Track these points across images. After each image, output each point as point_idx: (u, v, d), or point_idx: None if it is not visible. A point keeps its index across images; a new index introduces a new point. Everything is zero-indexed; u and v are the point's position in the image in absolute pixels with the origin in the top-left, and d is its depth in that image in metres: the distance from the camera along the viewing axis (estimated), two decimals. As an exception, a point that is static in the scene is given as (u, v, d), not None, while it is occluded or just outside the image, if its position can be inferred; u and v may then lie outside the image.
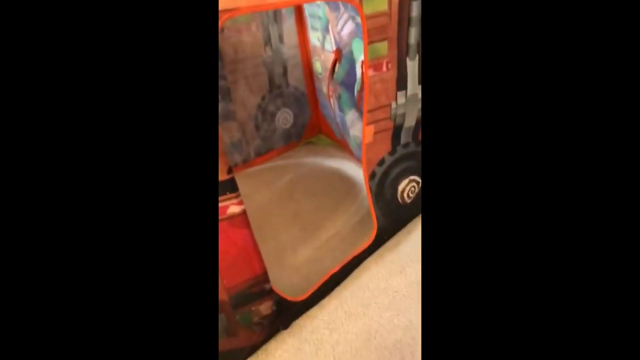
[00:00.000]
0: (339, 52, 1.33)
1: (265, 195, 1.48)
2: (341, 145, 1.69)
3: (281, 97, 1.62)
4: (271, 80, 1.57)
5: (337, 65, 1.34)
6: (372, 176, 1.09)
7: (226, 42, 1.42)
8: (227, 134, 1.55)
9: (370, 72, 0.95)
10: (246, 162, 1.64)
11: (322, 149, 1.74)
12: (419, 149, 1.15)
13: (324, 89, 1.56)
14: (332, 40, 1.36)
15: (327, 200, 1.41)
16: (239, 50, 1.46)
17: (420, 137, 1.13)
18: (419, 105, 1.08)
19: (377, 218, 1.15)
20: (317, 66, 1.57)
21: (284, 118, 1.68)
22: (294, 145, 1.75)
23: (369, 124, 1.01)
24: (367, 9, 0.88)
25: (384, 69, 0.97)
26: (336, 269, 1.09)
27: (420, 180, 1.21)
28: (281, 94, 1.62)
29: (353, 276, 1.13)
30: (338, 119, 1.50)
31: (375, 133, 1.04)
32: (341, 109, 1.42)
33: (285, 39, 1.54)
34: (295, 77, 1.63)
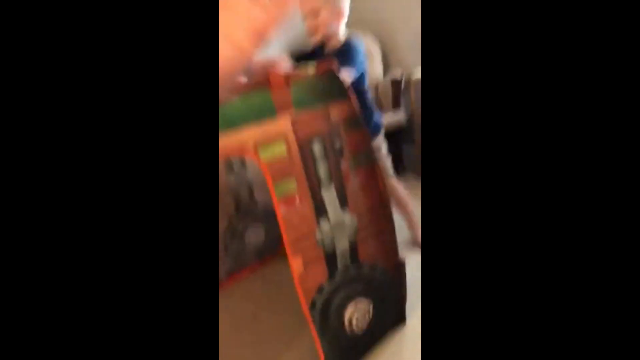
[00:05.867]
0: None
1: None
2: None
3: (250, 214, 1.61)
4: (237, 202, 1.60)
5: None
6: (312, 306, 0.98)
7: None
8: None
9: (283, 209, 0.94)
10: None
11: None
12: (362, 270, 1.05)
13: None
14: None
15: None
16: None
17: (360, 257, 1.05)
18: (348, 231, 1.02)
19: (325, 354, 1.02)
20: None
21: (256, 234, 1.66)
22: (269, 259, 1.72)
23: (294, 253, 0.96)
24: (265, 156, 0.90)
25: (297, 202, 0.95)
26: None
27: (370, 306, 1.08)
28: (250, 212, 1.61)
29: None
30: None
31: (305, 263, 0.97)
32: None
33: (248, 162, 1.62)
34: (264, 194, 1.63)
